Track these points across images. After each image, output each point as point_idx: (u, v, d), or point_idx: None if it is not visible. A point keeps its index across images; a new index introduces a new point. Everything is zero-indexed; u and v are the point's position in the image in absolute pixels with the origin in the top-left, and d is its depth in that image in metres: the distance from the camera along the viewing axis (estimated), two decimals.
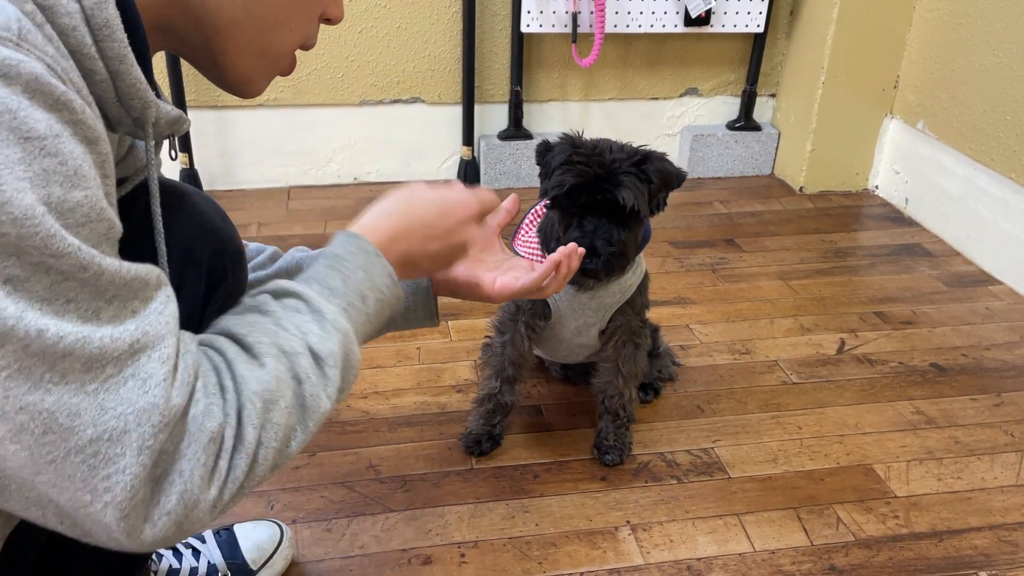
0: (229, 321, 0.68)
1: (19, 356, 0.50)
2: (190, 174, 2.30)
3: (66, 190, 0.51)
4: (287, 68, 0.76)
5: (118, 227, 0.57)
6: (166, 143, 0.74)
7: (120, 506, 0.54)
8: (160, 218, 0.67)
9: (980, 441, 1.48)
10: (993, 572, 1.21)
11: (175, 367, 0.57)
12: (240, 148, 2.39)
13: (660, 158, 1.17)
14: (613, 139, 1.19)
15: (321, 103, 2.37)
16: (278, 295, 0.71)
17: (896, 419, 1.53)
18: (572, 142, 1.18)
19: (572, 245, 1.07)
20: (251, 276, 0.98)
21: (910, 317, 1.87)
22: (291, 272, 0.99)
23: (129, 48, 0.57)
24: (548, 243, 1.25)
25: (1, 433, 0.51)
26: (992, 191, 2.07)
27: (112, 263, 0.54)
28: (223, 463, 0.60)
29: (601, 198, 1.13)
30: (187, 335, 0.62)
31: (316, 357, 0.67)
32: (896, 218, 2.38)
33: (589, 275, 1.16)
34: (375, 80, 2.37)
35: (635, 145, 1.19)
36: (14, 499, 0.55)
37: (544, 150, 1.21)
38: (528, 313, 1.33)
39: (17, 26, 0.49)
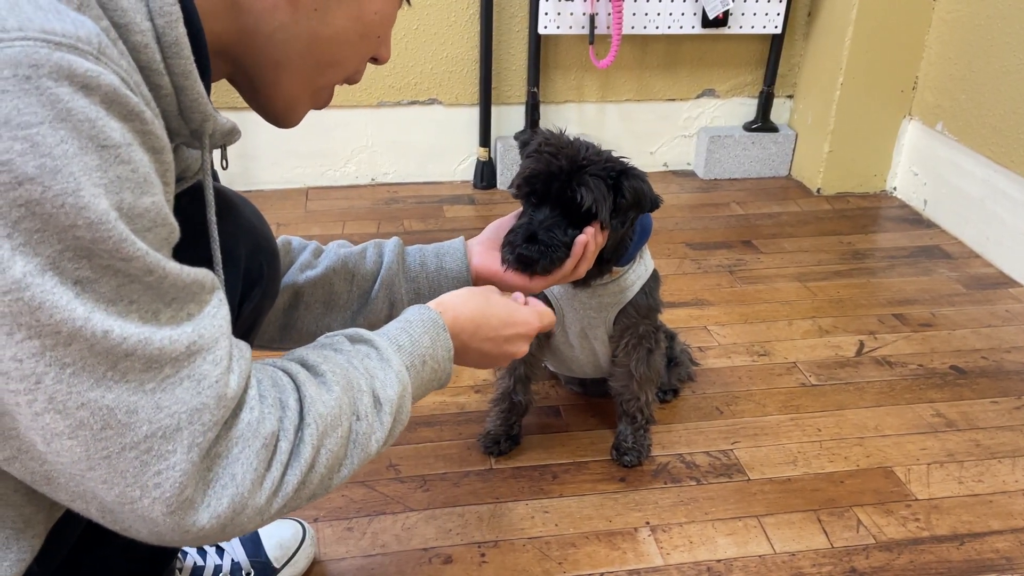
0: (304, 352, 0.72)
1: (84, 355, 0.52)
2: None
3: (136, 196, 0.53)
4: (324, 102, 0.80)
5: (177, 232, 0.59)
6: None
7: (168, 501, 0.56)
8: (215, 226, 0.70)
9: (1001, 444, 1.47)
10: None
11: (228, 369, 0.59)
12: (258, 149, 2.40)
13: (639, 176, 1.11)
14: (600, 145, 1.14)
15: (339, 105, 2.37)
16: (354, 340, 0.76)
17: (916, 422, 1.53)
18: (549, 134, 1.14)
19: (597, 225, 1.09)
20: (301, 276, 1.02)
21: (929, 319, 1.86)
22: (339, 272, 1.03)
23: (194, 65, 0.60)
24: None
25: (60, 428, 0.53)
26: (1012, 193, 2.06)
27: (174, 267, 0.56)
28: (275, 472, 0.62)
29: (559, 192, 1.08)
30: (242, 343, 0.64)
31: (376, 400, 0.72)
32: (914, 220, 2.37)
33: (522, 262, 1.06)
34: (392, 81, 2.38)
35: (622, 157, 1.13)
36: (61, 491, 0.57)
37: (524, 140, 1.17)
38: None
39: (97, 40, 0.51)
